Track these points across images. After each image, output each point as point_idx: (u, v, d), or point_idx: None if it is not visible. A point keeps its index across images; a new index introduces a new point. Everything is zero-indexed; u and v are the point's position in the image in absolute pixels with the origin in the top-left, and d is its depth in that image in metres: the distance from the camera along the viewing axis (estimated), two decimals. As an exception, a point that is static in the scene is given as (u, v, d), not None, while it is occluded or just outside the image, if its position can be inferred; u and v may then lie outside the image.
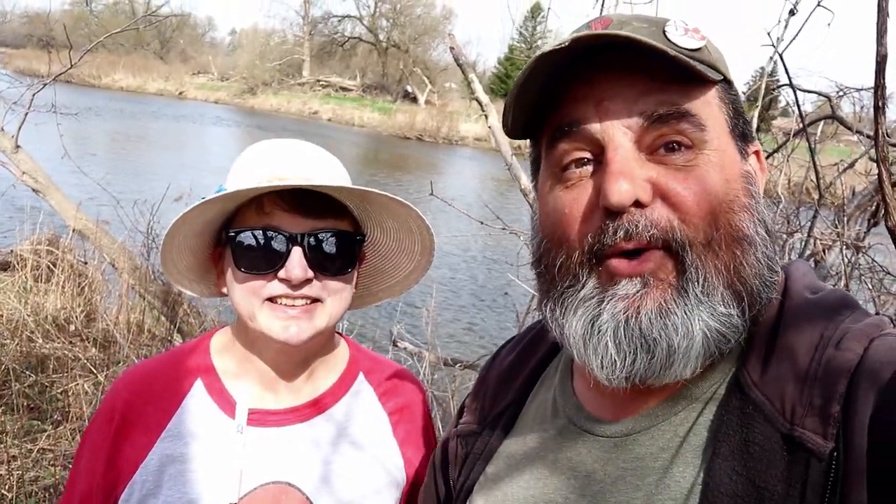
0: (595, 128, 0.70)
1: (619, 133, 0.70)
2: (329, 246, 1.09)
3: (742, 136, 0.77)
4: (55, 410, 4.35)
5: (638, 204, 0.68)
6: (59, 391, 4.53)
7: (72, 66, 5.45)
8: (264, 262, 1.07)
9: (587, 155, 0.72)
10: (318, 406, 1.18)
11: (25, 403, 4.31)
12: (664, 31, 0.72)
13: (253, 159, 1.15)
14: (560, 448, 0.81)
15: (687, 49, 0.71)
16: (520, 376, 0.94)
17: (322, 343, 1.20)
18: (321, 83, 48.33)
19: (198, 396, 1.15)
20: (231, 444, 1.10)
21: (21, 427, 4.09)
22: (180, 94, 44.20)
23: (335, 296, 1.12)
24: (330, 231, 1.10)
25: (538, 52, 0.69)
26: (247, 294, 1.09)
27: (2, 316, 5.55)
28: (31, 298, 5.89)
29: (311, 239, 1.07)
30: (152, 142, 21.89)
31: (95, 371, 4.67)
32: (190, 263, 1.19)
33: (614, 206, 0.67)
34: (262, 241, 1.06)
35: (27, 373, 4.62)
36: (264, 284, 1.08)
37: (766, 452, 0.63)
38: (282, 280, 1.07)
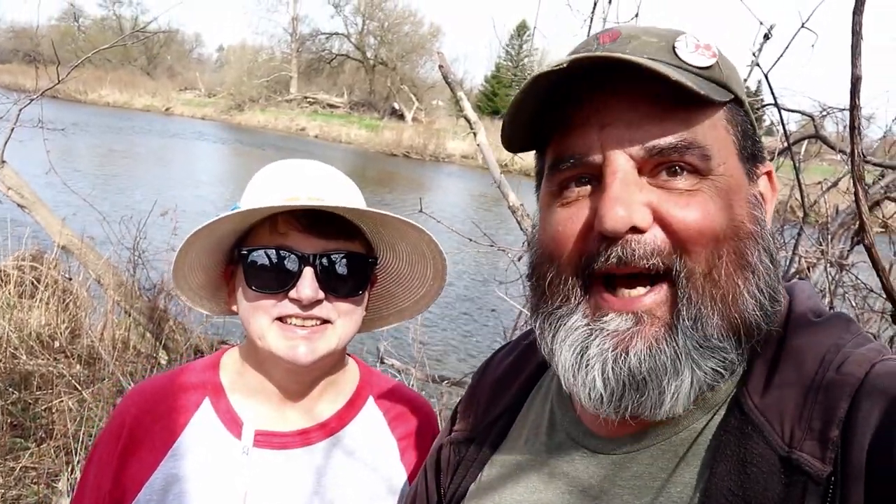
0: (597, 156, 0.69)
1: (620, 158, 0.68)
2: (341, 267, 1.09)
3: (751, 157, 0.75)
4: (39, 428, 4.29)
5: (635, 230, 0.67)
6: (42, 408, 4.47)
7: (59, 81, 5.43)
8: (276, 281, 1.06)
9: (588, 174, 0.72)
10: (325, 429, 1.17)
11: (8, 421, 4.25)
12: (674, 48, 0.70)
13: (268, 178, 1.15)
14: (557, 461, 0.80)
15: (696, 67, 0.69)
16: (514, 384, 0.93)
17: (331, 364, 1.19)
18: (308, 100, 48.27)
19: (205, 416, 1.14)
20: (236, 465, 1.09)
21: (3, 445, 4.04)
22: (167, 110, 43.97)
23: (345, 317, 1.12)
24: (342, 252, 1.09)
25: (535, 72, 0.68)
26: (257, 313, 1.08)
27: (-16, 332, 5.49)
28: (14, 314, 5.81)
29: (324, 260, 1.07)
30: (139, 157, 21.76)
31: (80, 388, 4.61)
32: (202, 281, 1.19)
33: (609, 232, 0.66)
34: (274, 261, 1.06)
35: (10, 390, 4.55)
36: (275, 304, 1.07)
37: (764, 474, 0.63)
38: (293, 300, 1.06)
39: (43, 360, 5.16)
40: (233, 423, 1.13)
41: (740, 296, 0.68)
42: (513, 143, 0.78)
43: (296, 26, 54.77)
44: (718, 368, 0.68)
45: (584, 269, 0.70)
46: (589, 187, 0.71)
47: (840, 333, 0.70)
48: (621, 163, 0.68)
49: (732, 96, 0.72)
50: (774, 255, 0.73)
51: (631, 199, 0.66)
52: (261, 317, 1.08)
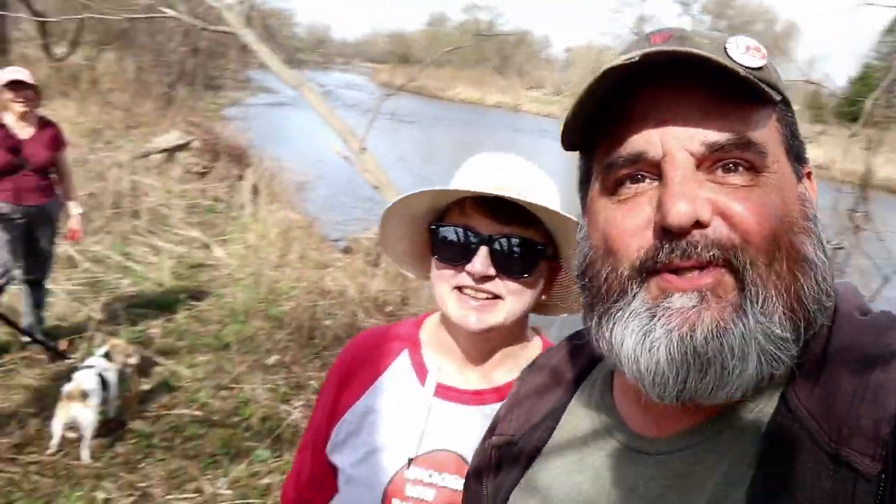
0: (656, 152, 0.69)
1: (680, 153, 0.68)
2: (512, 249, 1.19)
3: (797, 157, 0.74)
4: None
5: (697, 224, 0.66)
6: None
7: (412, 79, 6.17)
8: (456, 254, 1.21)
9: (645, 171, 0.71)
10: (497, 394, 1.26)
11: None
12: (725, 49, 0.70)
13: (467, 167, 1.30)
14: (601, 463, 0.80)
15: (749, 68, 0.68)
16: (559, 387, 0.93)
17: (506, 337, 1.28)
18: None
19: (402, 363, 1.34)
20: (419, 408, 1.27)
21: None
22: (516, 107, 46.58)
23: (514, 295, 1.21)
24: (516, 237, 1.19)
25: (605, 66, 0.68)
26: (440, 281, 1.24)
27: (335, 291, 6.51)
28: (359, 279, 6.80)
29: (498, 241, 1.19)
30: (486, 150, 23.40)
31: (402, 349, 5.26)
32: (406, 248, 1.38)
33: (674, 227, 0.65)
34: (456, 237, 1.21)
35: (345, 339, 5.35)
36: (454, 274, 1.22)
37: (812, 471, 0.61)
38: (468, 273, 1.19)
39: (375, 320, 5.96)
40: (421, 373, 1.31)
41: (801, 288, 0.66)
42: (572, 141, 0.78)
43: (641, 26, 54.15)
44: (781, 356, 0.66)
45: (644, 263, 0.69)
46: (645, 183, 0.71)
47: (887, 332, 0.66)
48: (681, 158, 0.68)
49: (781, 97, 0.71)
50: (827, 251, 0.71)
51: (694, 194, 0.66)
52: (443, 285, 1.23)
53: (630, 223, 0.70)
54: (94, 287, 6.37)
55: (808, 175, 0.76)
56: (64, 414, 3.70)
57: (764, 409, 0.69)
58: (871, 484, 0.59)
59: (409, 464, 1.25)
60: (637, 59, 0.66)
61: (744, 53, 0.70)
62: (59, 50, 17.69)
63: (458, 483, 1.20)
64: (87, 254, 6.96)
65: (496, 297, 1.21)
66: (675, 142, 0.68)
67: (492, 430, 0.99)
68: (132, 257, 7.23)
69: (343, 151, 6.50)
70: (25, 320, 5.04)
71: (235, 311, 6.27)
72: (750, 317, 0.66)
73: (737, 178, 0.68)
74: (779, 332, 0.66)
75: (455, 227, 1.21)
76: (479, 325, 1.20)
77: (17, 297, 5.26)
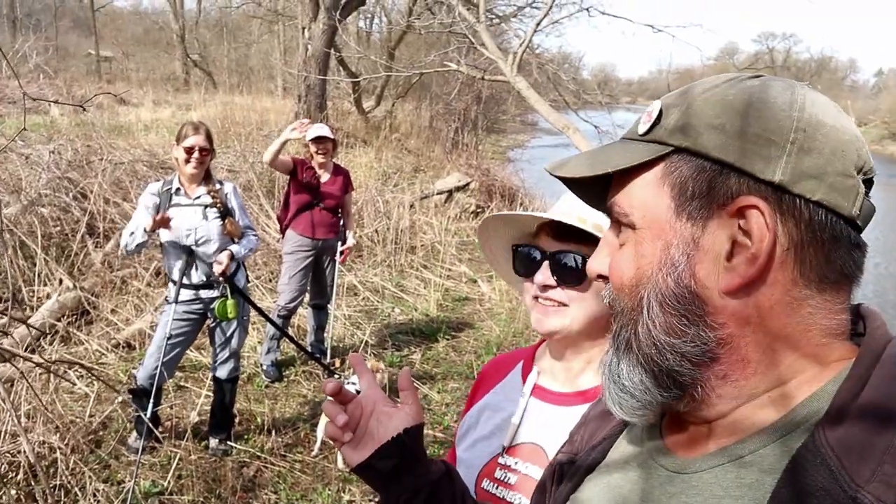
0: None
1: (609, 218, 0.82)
2: (569, 262, 1.36)
3: (701, 198, 0.71)
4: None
5: (602, 276, 0.81)
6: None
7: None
8: (528, 269, 1.41)
9: None
10: (582, 397, 1.40)
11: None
12: (639, 120, 0.79)
13: (564, 198, 1.44)
14: (634, 479, 0.83)
15: (639, 135, 0.78)
16: None
17: (583, 343, 1.41)
18: None
19: (516, 371, 1.54)
20: (518, 405, 1.45)
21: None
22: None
23: (576, 303, 1.36)
24: (573, 252, 1.35)
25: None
26: (524, 293, 1.44)
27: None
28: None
29: (557, 256, 1.37)
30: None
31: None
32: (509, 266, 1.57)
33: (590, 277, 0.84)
34: (527, 254, 1.42)
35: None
36: (530, 286, 1.41)
37: None
38: (536, 284, 1.38)
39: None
40: (526, 377, 1.50)
41: (638, 337, 0.76)
42: (592, 202, 0.89)
43: None
44: (633, 392, 0.77)
45: None
46: None
47: None
48: (608, 225, 0.83)
49: (669, 148, 0.73)
50: (672, 299, 0.72)
51: (601, 253, 0.82)
52: (525, 294, 1.42)
53: None
54: (369, 314, 7.14)
55: (742, 210, 0.69)
56: (325, 422, 4.23)
57: (792, 442, 0.69)
58: None
59: (503, 451, 1.43)
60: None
61: (641, 123, 0.79)
62: (368, 104, 20.15)
63: (537, 472, 1.35)
64: (367, 284, 7.83)
65: (561, 304, 1.38)
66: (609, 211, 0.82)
67: (561, 447, 1.07)
68: (405, 289, 7.97)
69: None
70: (308, 339, 5.86)
71: (490, 343, 6.61)
72: (610, 357, 0.80)
73: (621, 237, 0.79)
74: (623, 372, 0.78)
75: (527, 247, 1.43)
76: (544, 328, 1.38)
77: (304, 318, 6.13)
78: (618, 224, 0.80)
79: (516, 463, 1.41)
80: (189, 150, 3.96)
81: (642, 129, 0.78)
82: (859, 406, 0.65)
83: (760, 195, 0.67)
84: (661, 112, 0.76)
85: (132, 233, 3.87)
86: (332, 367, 5.26)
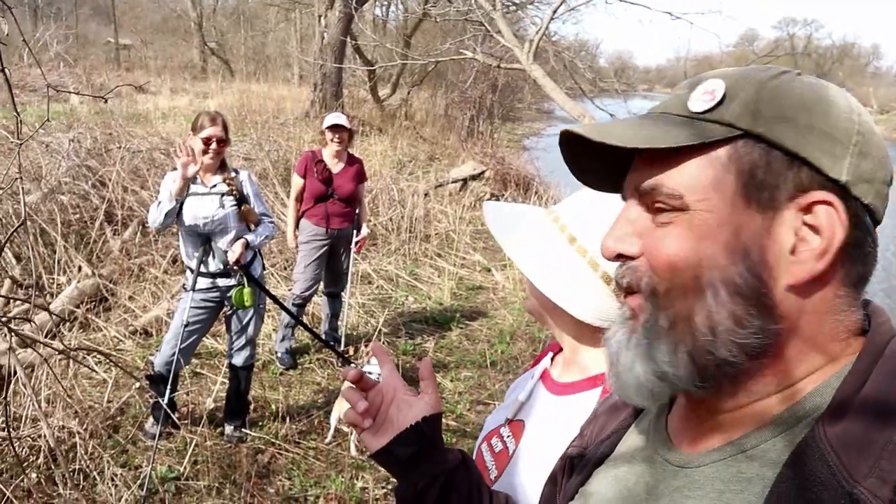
0: (627, 191, 0.81)
1: (629, 196, 0.79)
2: None
3: (768, 188, 0.70)
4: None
5: (625, 257, 0.77)
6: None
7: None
8: None
9: None
10: (591, 382, 1.37)
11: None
12: (689, 96, 0.76)
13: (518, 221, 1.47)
14: (639, 473, 0.84)
15: (695, 113, 0.74)
16: (629, 407, 0.96)
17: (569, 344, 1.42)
18: None
19: (545, 360, 1.54)
20: (528, 387, 1.48)
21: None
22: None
23: None
24: None
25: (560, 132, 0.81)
26: None
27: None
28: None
29: None
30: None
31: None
32: None
33: (605, 258, 0.79)
34: None
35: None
36: None
37: (824, 501, 0.63)
38: None
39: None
40: (542, 366, 1.52)
41: (693, 321, 0.72)
42: (593, 185, 0.89)
43: None
44: (659, 382, 0.75)
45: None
46: None
47: None
48: (628, 200, 0.79)
49: (739, 132, 0.71)
50: (747, 286, 0.70)
51: (622, 232, 0.77)
52: None
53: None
54: (383, 302, 7.18)
55: (810, 206, 0.70)
56: (339, 410, 4.29)
57: (792, 437, 0.70)
58: None
59: (505, 423, 1.48)
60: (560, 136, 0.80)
61: (697, 100, 0.75)
62: (383, 92, 20.15)
63: (512, 445, 1.41)
64: (382, 272, 7.87)
65: None
66: (629, 185, 0.79)
67: (572, 441, 1.08)
68: (419, 277, 8.00)
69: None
70: (322, 327, 5.92)
71: (503, 332, 6.63)
72: (639, 339, 0.76)
73: (663, 217, 0.75)
74: (660, 356, 0.73)
75: None
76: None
77: (318, 306, 6.18)
78: (650, 203, 0.75)
79: (508, 436, 1.45)
80: (206, 141, 4.00)
81: (699, 106, 0.74)
82: (859, 401, 0.66)
83: (830, 191, 0.69)
84: (724, 93, 0.73)
85: (159, 203, 3.91)
86: (346, 355, 5.31)
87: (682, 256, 0.72)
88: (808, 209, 0.69)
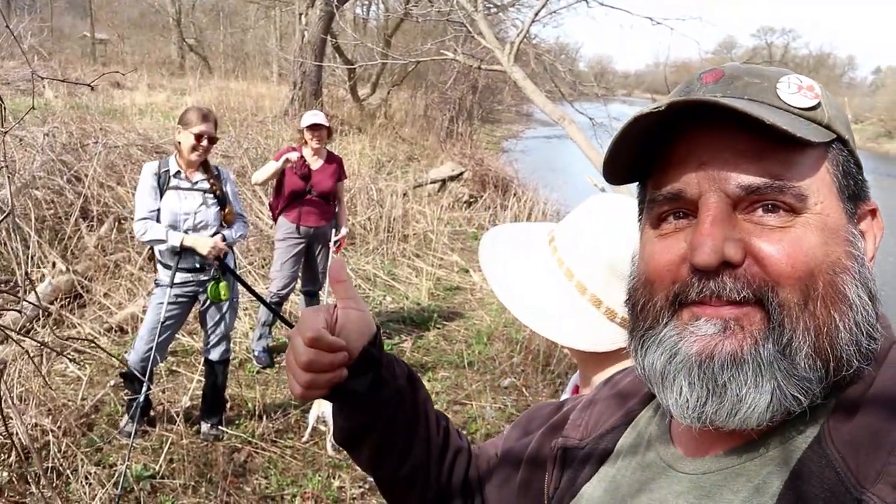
0: (694, 192, 0.71)
1: (714, 195, 0.69)
2: None
3: (853, 196, 0.71)
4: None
5: (728, 264, 0.67)
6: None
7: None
8: None
9: (685, 209, 0.73)
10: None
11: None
12: (776, 88, 0.70)
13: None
14: (645, 480, 0.82)
15: (798, 108, 0.69)
16: (629, 402, 0.94)
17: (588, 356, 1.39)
18: None
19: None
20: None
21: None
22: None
23: None
24: None
25: (634, 114, 0.71)
26: None
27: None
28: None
29: None
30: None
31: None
32: None
33: (700, 266, 0.68)
34: None
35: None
36: None
37: None
38: None
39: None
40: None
41: (835, 329, 0.65)
42: (615, 178, 0.81)
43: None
44: (799, 396, 0.66)
45: (676, 297, 0.71)
46: (685, 221, 0.73)
47: None
48: (715, 199, 0.69)
49: (835, 136, 0.69)
50: (873, 291, 0.67)
51: (722, 235, 0.67)
52: None
53: (666, 258, 0.74)
54: (361, 301, 7.17)
55: (873, 213, 0.74)
56: (316, 409, 4.29)
57: (799, 443, 0.69)
58: None
59: None
60: (663, 108, 0.69)
61: (794, 94, 0.71)
62: (363, 91, 20.10)
63: None
64: (360, 272, 7.86)
65: None
66: (712, 183, 0.70)
67: (559, 428, 1.02)
68: (397, 277, 8.00)
69: (598, 183, 6.62)
70: (301, 326, 5.90)
71: (480, 333, 6.66)
72: (769, 351, 0.67)
73: (774, 220, 0.68)
74: (802, 371, 0.66)
75: None
76: None
77: (295, 305, 6.16)
78: (752, 203, 0.69)
79: None
80: (198, 137, 4.00)
81: (805, 103, 0.71)
82: (864, 406, 0.65)
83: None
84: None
85: (146, 232, 3.97)
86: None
87: (816, 261, 0.67)
88: (864, 216, 0.73)
